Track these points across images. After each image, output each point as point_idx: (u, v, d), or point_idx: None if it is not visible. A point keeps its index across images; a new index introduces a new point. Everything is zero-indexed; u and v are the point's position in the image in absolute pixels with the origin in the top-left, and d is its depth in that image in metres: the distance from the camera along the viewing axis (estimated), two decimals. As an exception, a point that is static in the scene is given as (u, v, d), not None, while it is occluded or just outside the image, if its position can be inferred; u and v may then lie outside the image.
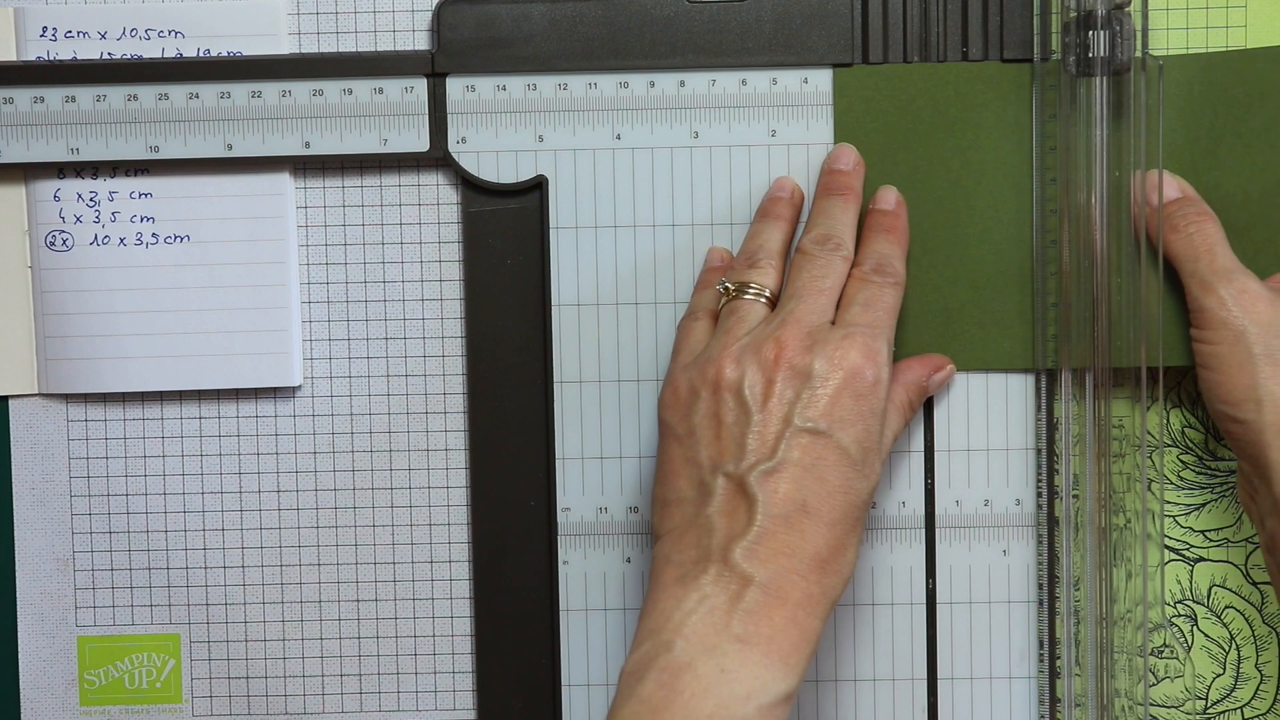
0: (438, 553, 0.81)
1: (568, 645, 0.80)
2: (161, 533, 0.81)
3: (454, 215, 0.80)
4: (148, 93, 0.78)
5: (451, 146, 0.79)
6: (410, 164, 0.80)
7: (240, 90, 0.78)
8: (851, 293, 0.73)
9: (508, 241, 0.79)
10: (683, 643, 0.66)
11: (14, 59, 0.79)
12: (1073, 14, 0.75)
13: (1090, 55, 0.75)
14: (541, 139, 0.79)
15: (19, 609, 0.81)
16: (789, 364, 0.69)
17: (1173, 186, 0.76)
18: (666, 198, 0.79)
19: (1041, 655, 0.80)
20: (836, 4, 0.78)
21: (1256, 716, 0.80)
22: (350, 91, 0.78)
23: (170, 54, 0.79)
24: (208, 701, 0.82)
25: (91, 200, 0.79)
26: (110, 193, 0.79)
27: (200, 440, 0.81)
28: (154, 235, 0.79)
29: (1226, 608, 0.80)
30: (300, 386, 0.81)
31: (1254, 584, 0.80)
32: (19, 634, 0.81)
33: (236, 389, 0.81)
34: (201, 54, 0.79)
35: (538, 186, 0.79)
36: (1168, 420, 0.79)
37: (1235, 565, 0.80)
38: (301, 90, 0.78)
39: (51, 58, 0.79)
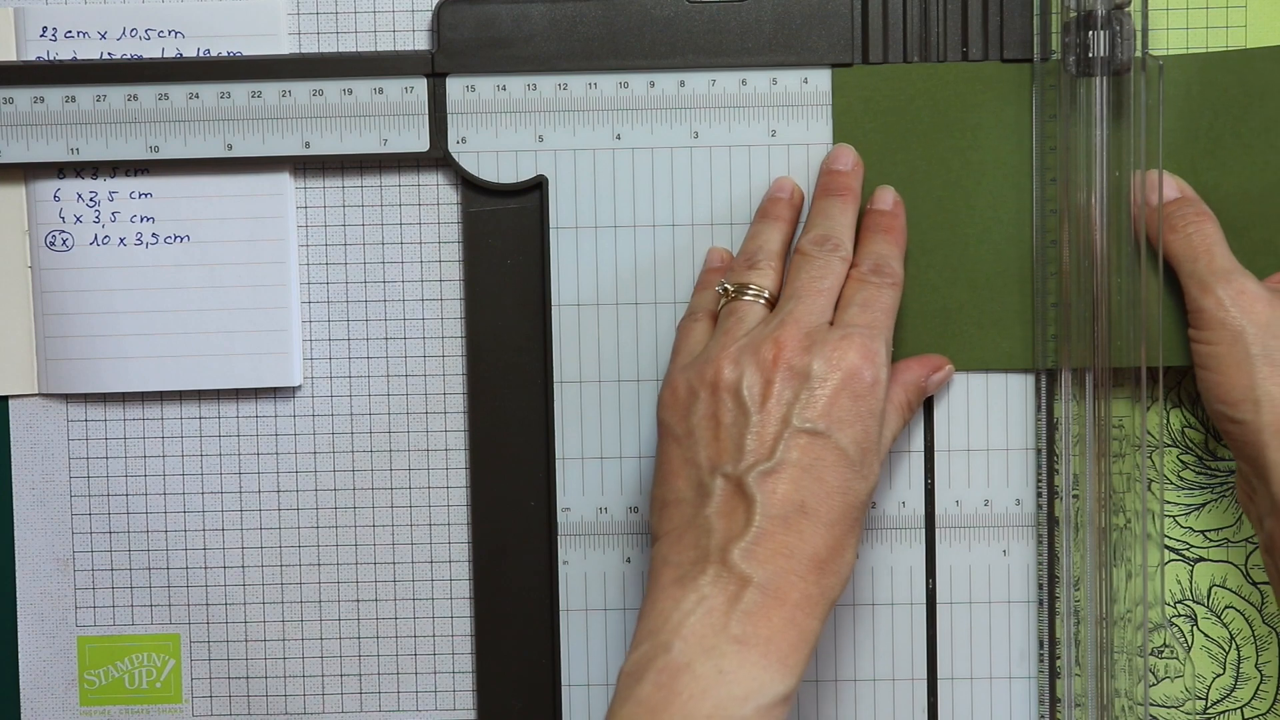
0: (438, 553, 0.81)
1: (568, 645, 0.80)
2: (161, 533, 0.81)
3: (454, 215, 0.80)
4: (148, 93, 0.78)
5: (451, 146, 0.79)
6: (410, 164, 0.80)
7: (240, 90, 0.78)
8: (849, 293, 0.73)
9: (508, 241, 0.79)
10: (681, 644, 0.66)
11: (14, 59, 0.79)
12: (1073, 14, 0.75)
13: (1090, 55, 0.75)
14: (541, 139, 0.79)
15: (19, 609, 0.81)
16: (787, 364, 0.69)
17: (1171, 186, 0.76)
18: (666, 198, 0.79)
19: (1041, 655, 0.80)
20: (836, 4, 0.78)
21: (1256, 716, 0.80)
22: (350, 91, 0.78)
23: (170, 54, 0.79)
24: (208, 701, 0.82)
25: (91, 200, 0.79)
26: (110, 193, 0.79)
27: (200, 440, 0.81)
28: (154, 235, 0.79)
29: (1226, 608, 0.80)
30: (300, 386, 0.81)
31: (1254, 584, 0.80)
32: (19, 634, 0.81)
33: (236, 389, 0.81)
34: (201, 54, 0.79)
35: (538, 186, 0.79)
36: (1168, 420, 0.79)
37: (1235, 565, 0.80)
38: (301, 90, 0.78)
39: (51, 58, 0.79)
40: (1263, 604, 0.80)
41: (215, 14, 0.79)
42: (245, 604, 0.81)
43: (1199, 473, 0.80)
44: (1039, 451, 0.79)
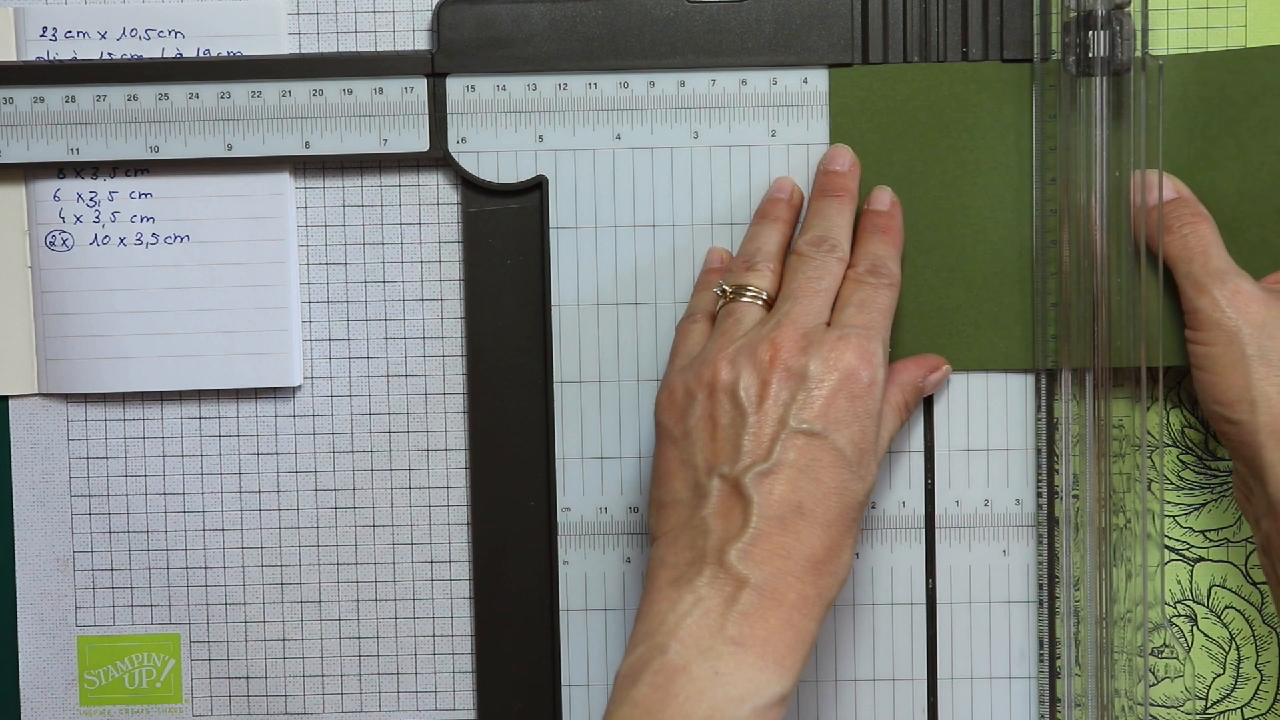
0: (438, 553, 0.81)
1: (568, 645, 0.80)
2: (161, 533, 0.81)
3: (454, 215, 0.80)
4: (148, 93, 0.78)
5: (451, 146, 0.79)
6: (410, 164, 0.80)
7: (240, 90, 0.78)
8: (846, 294, 0.73)
9: (508, 241, 0.79)
10: (677, 645, 0.66)
11: (14, 59, 0.79)
12: (1073, 14, 0.75)
13: (1090, 55, 0.75)
14: (541, 139, 0.79)
15: (19, 609, 0.81)
16: (784, 365, 0.69)
17: (1168, 187, 0.76)
18: (666, 198, 0.79)
19: (1041, 655, 0.80)
20: (836, 4, 0.78)
21: (1256, 716, 0.80)
22: (350, 91, 0.78)
23: (170, 54, 0.79)
24: (208, 701, 0.82)
25: (91, 200, 0.79)
26: (110, 193, 0.79)
27: (200, 440, 0.81)
28: (154, 235, 0.80)
29: (1226, 608, 0.80)
30: (300, 386, 0.81)
31: (1254, 584, 0.80)
32: (19, 634, 0.81)
33: (236, 389, 0.81)
34: (201, 54, 0.79)
35: (538, 186, 0.79)
36: (1168, 420, 0.79)
37: (1235, 565, 0.80)
38: (301, 90, 0.78)
39: (51, 58, 0.79)
40: (1263, 604, 0.80)
41: (215, 14, 0.79)
42: (245, 604, 0.81)
43: (1199, 473, 0.79)
44: (1039, 451, 0.79)
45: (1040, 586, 0.79)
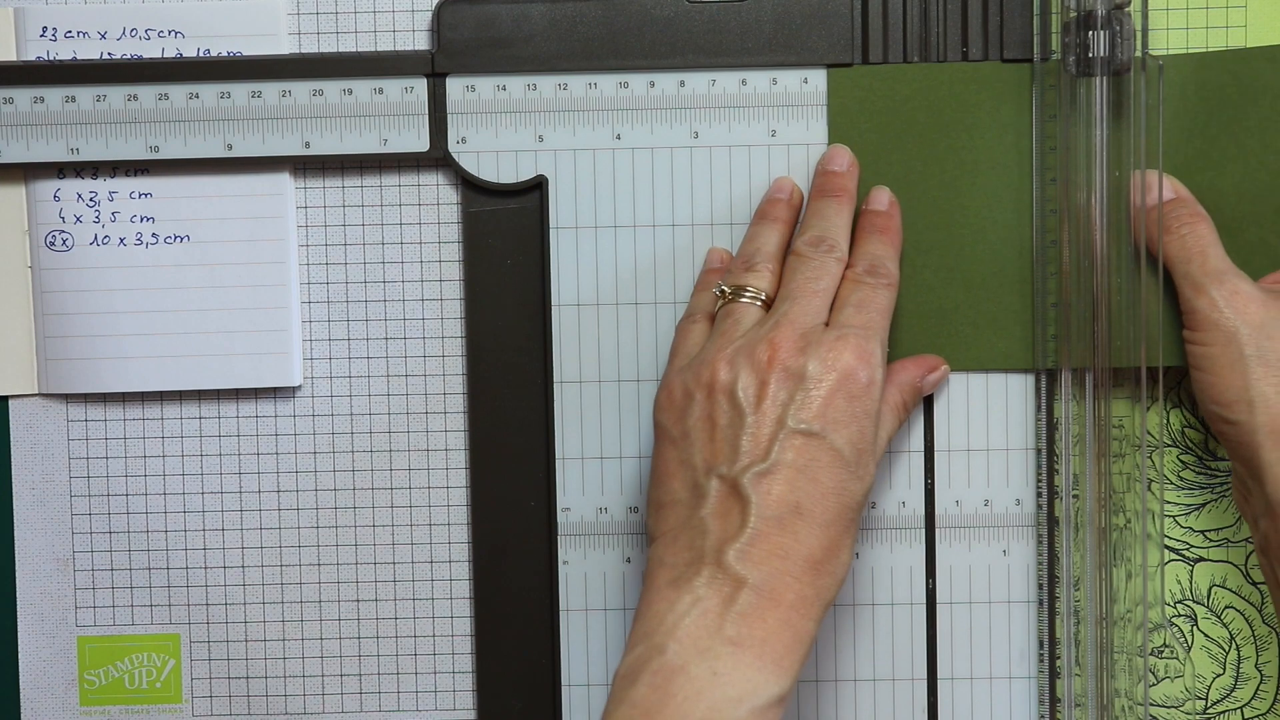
0: (438, 553, 0.81)
1: (568, 645, 0.80)
2: (161, 533, 0.81)
3: (454, 215, 0.80)
4: (148, 93, 0.78)
5: (451, 146, 0.79)
6: (410, 164, 0.80)
7: (240, 90, 0.78)
8: (845, 294, 0.73)
9: (508, 241, 0.79)
10: (676, 645, 0.66)
11: (14, 59, 0.79)
12: (1073, 14, 0.75)
13: (1090, 55, 0.75)
14: (541, 139, 0.79)
15: (19, 609, 0.81)
16: (782, 365, 0.69)
17: (1167, 187, 0.76)
18: (666, 198, 0.79)
19: (1041, 655, 0.80)
20: (836, 4, 0.78)
21: (1256, 716, 0.80)
22: (350, 91, 0.78)
23: (170, 54, 0.79)
24: (208, 701, 0.82)
25: (91, 200, 0.79)
26: (110, 193, 0.79)
27: (200, 440, 0.81)
28: (154, 235, 0.80)
29: (1226, 608, 0.80)
30: (300, 386, 0.81)
31: (1254, 584, 0.80)
32: (19, 634, 0.81)
33: (236, 389, 0.81)
34: (201, 54, 0.79)
35: (538, 186, 0.79)
36: (1168, 420, 0.79)
37: (1235, 565, 0.80)
38: (301, 90, 0.78)
39: (51, 58, 0.79)
40: (1263, 604, 0.80)
41: (215, 14, 0.79)
42: (245, 604, 0.81)
43: (1199, 473, 0.79)
44: (1039, 451, 0.79)
45: (1040, 586, 0.79)
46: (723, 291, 0.74)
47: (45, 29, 0.79)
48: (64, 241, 0.79)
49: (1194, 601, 0.80)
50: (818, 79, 0.78)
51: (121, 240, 0.79)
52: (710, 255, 0.79)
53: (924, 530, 0.80)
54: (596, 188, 0.79)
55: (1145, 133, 0.75)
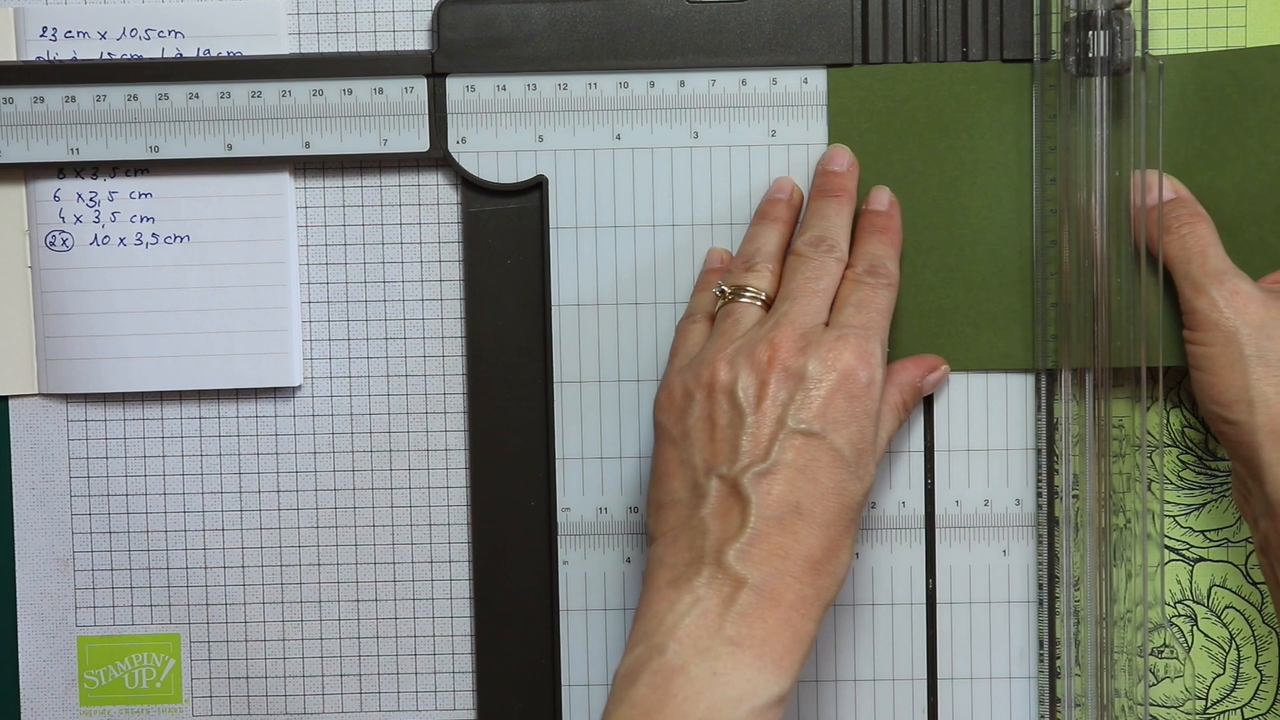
0: (438, 553, 0.81)
1: (568, 645, 0.80)
2: (161, 533, 0.81)
3: (454, 215, 0.80)
4: (148, 93, 0.78)
5: (451, 146, 0.79)
6: (410, 164, 0.80)
7: (240, 90, 0.78)
8: (845, 294, 0.73)
9: (508, 241, 0.79)
10: (675, 645, 0.66)
11: (14, 59, 0.79)
12: (1073, 14, 0.75)
13: (1090, 55, 0.75)
14: (541, 139, 0.79)
15: (19, 609, 0.81)
16: (782, 365, 0.69)
17: (1167, 187, 0.76)
18: (666, 198, 0.79)
19: (1041, 655, 0.80)
20: (836, 4, 0.78)
21: (1256, 716, 0.80)
22: (350, 91, 0.78)
23: (170, 54, 0.79)
24: (208, 701, 0.82)
25: (91, 200, 0.79)
26: (110, 193, 0.79)
27: (200, 440, 0.81)
28: (154, 235, 0.80)
29: (1226, 608, 0.80)
30: (300, 386, 0.81)
31: (1254, 584, 0.80)
32: (19, 634, 0.81)
33: (236, 389, 0.81)
34: (201, 54, 0.79)
35: (538, 186, 0.79)
36: (1168, 420, 0.79)
37: (1235, 565, 0.80)
38: (301, 90, 0.78)
39: (51, 58, 0.79)
40: (1263, 604, 0.80)
41: (215, 14, 0.79)
42: (245, 604, 0.81)
43: (1199, 473, 0.79)
44: (1039, 451, 0.79)
45: (1040, 586, 0.79)
46: (723, 291, 0.74)
47: (45, 29, 0.79)
48: (64, 241, 0.79)
49: (1194, 601, 0.80)
50: (818, 79, 0.78)
51: (121, 240, 0.79)
52: (710, 255, 0.79)
53: (924, 530, 0.80)
54: (596, 188, 0.79)
55: (1145, 133, 0.75)
